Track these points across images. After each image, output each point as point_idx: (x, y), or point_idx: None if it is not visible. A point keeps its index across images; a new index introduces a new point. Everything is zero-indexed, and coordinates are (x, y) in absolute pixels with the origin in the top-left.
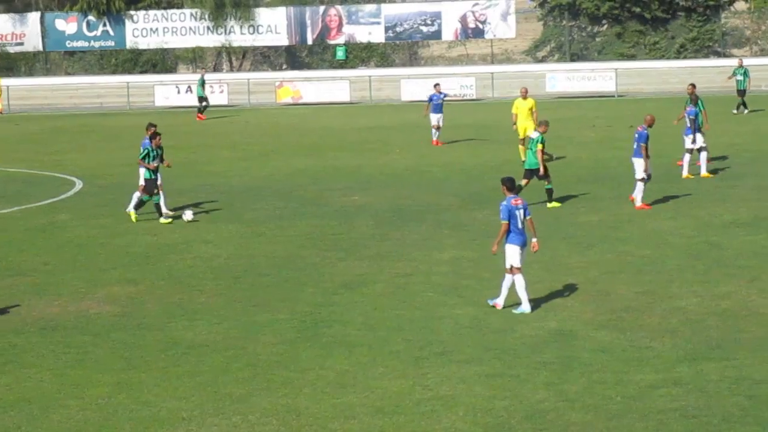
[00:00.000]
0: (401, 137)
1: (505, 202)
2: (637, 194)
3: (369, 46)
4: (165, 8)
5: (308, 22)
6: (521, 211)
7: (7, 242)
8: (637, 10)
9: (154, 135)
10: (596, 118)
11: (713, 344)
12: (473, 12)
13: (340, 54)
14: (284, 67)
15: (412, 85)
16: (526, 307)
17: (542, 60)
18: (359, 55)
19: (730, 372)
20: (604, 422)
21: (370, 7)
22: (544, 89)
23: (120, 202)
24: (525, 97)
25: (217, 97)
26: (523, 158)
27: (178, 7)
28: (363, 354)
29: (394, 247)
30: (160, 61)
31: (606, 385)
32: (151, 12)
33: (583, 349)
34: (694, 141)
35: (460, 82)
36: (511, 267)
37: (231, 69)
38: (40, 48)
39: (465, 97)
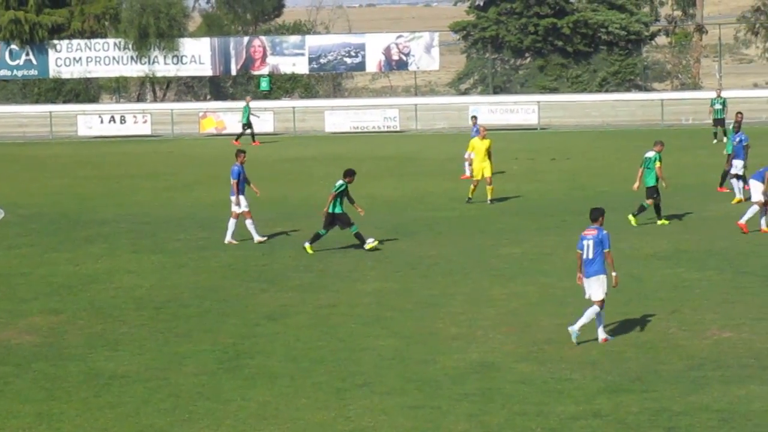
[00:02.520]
0: (325, 168)
1: (582, 232)
2: (761, 218)
3: (293, 77)
4: (88, 38)
5: (232, 52)
6: (590, 242)
7: None
8: (560, 43)
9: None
10: (519, 151)
11: (633, 376)
12: (397, 44)
13: (264, 85)
14: (208, 97)
15: (336, 116)
16: (575, 327)
17: (465, 92)
18: (283, 86)
19: (650, 404)
20: None
21: (294, 39)
22: (467, 121)
23: (43, 232)
24: (483, 137)
25: (140, 127)
26: (469, 195)
27: (101, 37)
28: (285, 385)
29: (317, 279)
30: (83, 91)
31: (527, 416)
32: (75, 41)
33: (504, 380)
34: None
35: (383, 114)
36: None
37: (155, 99)
38: None
39: (389, 129)
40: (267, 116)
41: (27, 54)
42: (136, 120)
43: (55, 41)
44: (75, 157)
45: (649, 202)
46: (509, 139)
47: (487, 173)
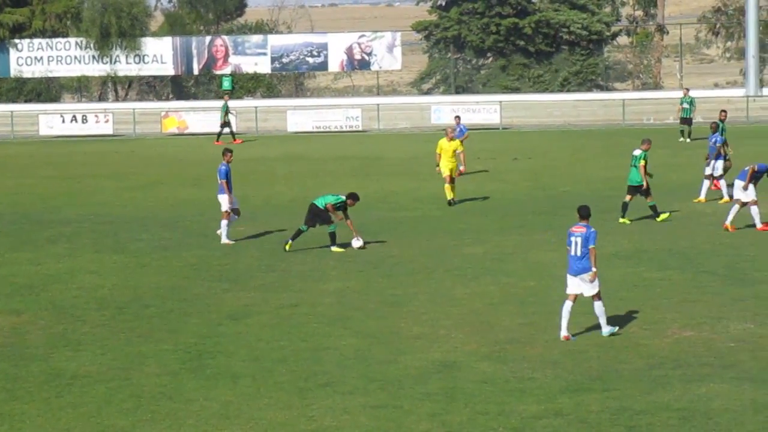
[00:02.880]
0: (287, 168)
1: (570, 228)
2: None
3: (255, 77)
4: (50, 37)
5: (194, 52)
6: (578, 239)
7: None
8: (522, 43)
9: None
10: (481, 151)
11: (594, 375)
12: (359, 44)
13: (226, 84)
14: (170, 97)
15: (298, 116)
16: (605, 329)
17: (427, 92)
18: (245, 85)
19: (611, 403)
20: None
21: (256, 38)
22: (430, 121)
23: (3, 232)
24: (451, 138)
25: (101, 126)
26: (448, 196)
27: (63, 36)
28: (247, 385)
29: (280, 278)
30: (45, 90)
31: (489, 416)
32: (36, 41)
33: (466, 380)
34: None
35: (345, 114)
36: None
37: (116, 98)
38: None
39: (351, 129)
40: (229, 116)
41: None
42: (97, 119)
43: (16, 40)
44: (36, 156)
45: (628, 198)
46: (471, 139)
47: (452, 173)
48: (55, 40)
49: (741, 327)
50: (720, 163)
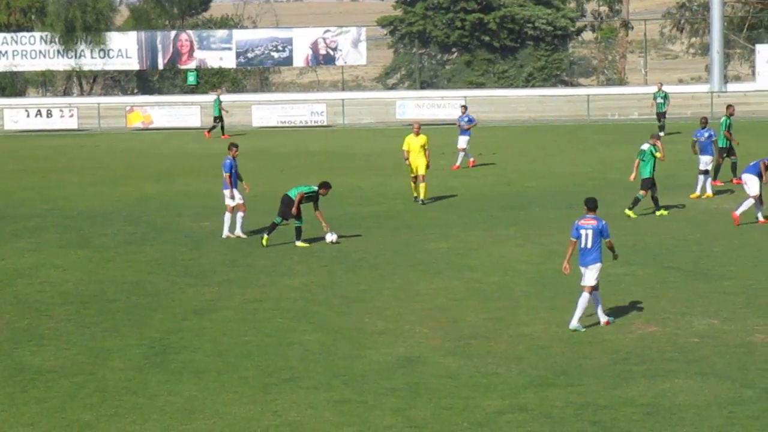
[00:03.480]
0: (252, 164)
1: (576, 221)
2: (757, 211)
3: (220, 72)
4: (14, 31)
5: (159, 46)
6: (588, 232)
7: None
8: (486, 38)
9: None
10: (445, 146)
11: (559, 370)
12: (324, 39)
13: (191, 79)
14: (135, 91)
15: (263, 111)
16: (574, 323)
17: (392, 87)
18: (210, 80)
19: (575, 398)
20: None
21: (221, 33)
22: (394, 116)
23: None
24: (418, 134)
25: (66, 121)
26: (415, 193)
27: (27, 30)
28: (212, 380)
29: (244, 274)
30: (9, 85)
31: (453, 411)
32: (0, 35)
33: (430, 375)
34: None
35: (310, 109)
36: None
37: (81, 93)
38: None
39: (317, 124)
40: (194, 110)
41: None
42: (62, 114)
43: None
44: (0, 151)
45: (643, 193)
46: (436, 134)
47: (422, 171)
48: (19, 35)
49: (705, 322)
50: (707, 158)
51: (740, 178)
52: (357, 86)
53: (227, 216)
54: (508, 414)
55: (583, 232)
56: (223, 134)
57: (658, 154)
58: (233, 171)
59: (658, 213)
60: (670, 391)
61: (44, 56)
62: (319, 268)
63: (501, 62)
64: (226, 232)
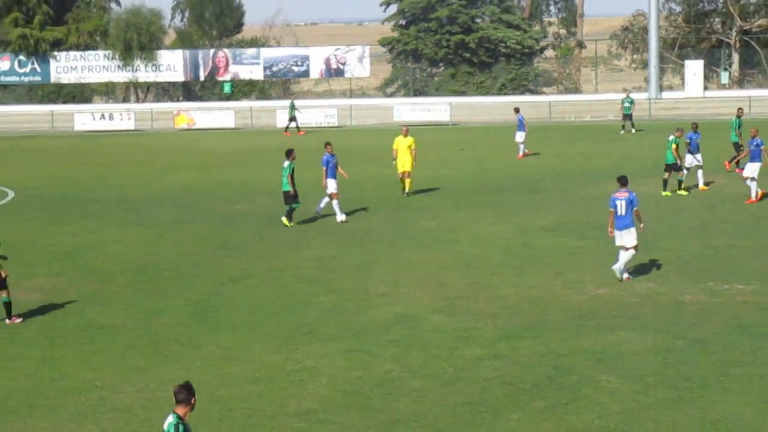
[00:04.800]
0: (277, 158)
1: (612, 195)
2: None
3: (250, 82)
4: (83, 50)
5: (201, 62)
6: (622, 202)
7: None
8: (467, 55)
9: (289, 152)
10: (434, 142)
11: (526, 325)
12: (335, 55)
13: (227, 88)
14: (181, 98)
15: (286, 114)
16: (618, 266)
17: (391, 95)
18: (242, 89)
19: (540, 347)
20: (439, 388)
21: (251, 51)
22: (392, 119)
23: (45, 209)
24: (406, 135)
25: (125, 123)
26: (403, 187)
27: (93, 49)
28: (244, 333)
29: (270, 247)
30: (79, 93)
31: (441, 358)
32: (72, 53)
33: (422, 329)
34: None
35: (324, 113)
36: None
37: (137, 100)
38: None
39: (329, 125)
40: (229, 114)
41: (32, 63)
42: (122, 117)
43: (56, 53)
44: (71, 148)
45: (666, 175)
46: (426, 133)
47: (408, 168)
48: (87, 53)
49: (644, 286)
50: (690, 158)
51: (743, 168)
52: (362, 94)
53: (334, 202)
54: (485, 360)
55: (618, 203)
56: (299, 131)
57: (673, 147)
58: (330, 165)
59: (663, 193)
60: (616, 341)
61: (107, 70)
62: (331, 242)
63: (479, 75)
64: (340, 217)
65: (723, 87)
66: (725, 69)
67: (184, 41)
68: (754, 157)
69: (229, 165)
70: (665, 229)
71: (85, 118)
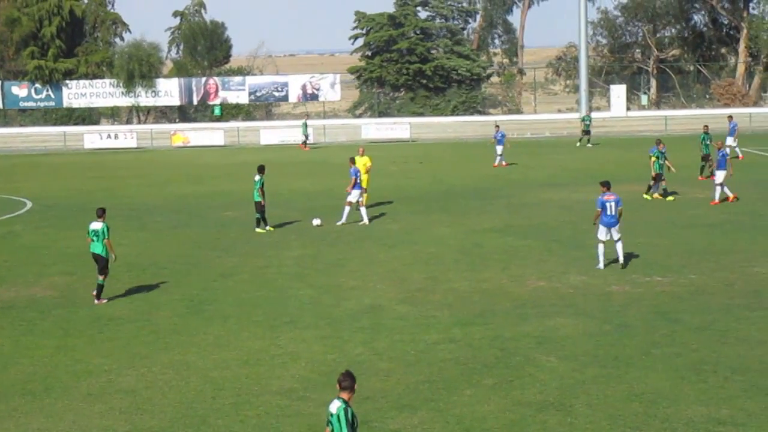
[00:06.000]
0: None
1: (599, 197)
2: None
3: (237, 106)
4: (91, 79)
5: (194, 88)
6: (612, 204)
7: None
8: (424, 81)
9: (260, 168)
10: (397, 157)
11: (477, 313)
12: (311, 82)
13: (217, 111)
14: (177, 120)
15: (268, 133)
16: (600, 265)
17: (359, 116)
18: (230, 112)
19: (489, 332)
20: (403, 368)
21: (238, 78)
22: (360, 136)
23: (59, 217)
24: (362, 155)
25: (128, 141)
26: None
27: (100, 78)
28: (234, 323)
29: (256, 248)
30: (88, 116)
31: (404, 342)
32: (82, 81)
33: (388, 318)
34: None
35: (301, 132)
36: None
37: (139, 121)
38: (0, 107)
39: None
40: (219, 133)
41: (47, 90)
42: (125, 137)
43: (68, 81)
44: (82, 163)
45: (662, 182)
46: (389, 149)
47: (364, 184)
48: (95, 81)
49: (578, 278)
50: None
51: (713, 175)
52: (334, 115)
53: (362, 210)
54: (442, 344)
55: (608, 204)
56: (305, 147)
57: (652, 158)
58: (358, 176)
59: (645, 196)
60: (554, 326)
61: (112, 96)
62: (308, 243)
63: (435, 98)
64: (364, 220)
65: (643, 108)
66: (645, 92)
67: (179, 70)
68: (720, 165)
69: (220, 177)
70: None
71: (94, 137)
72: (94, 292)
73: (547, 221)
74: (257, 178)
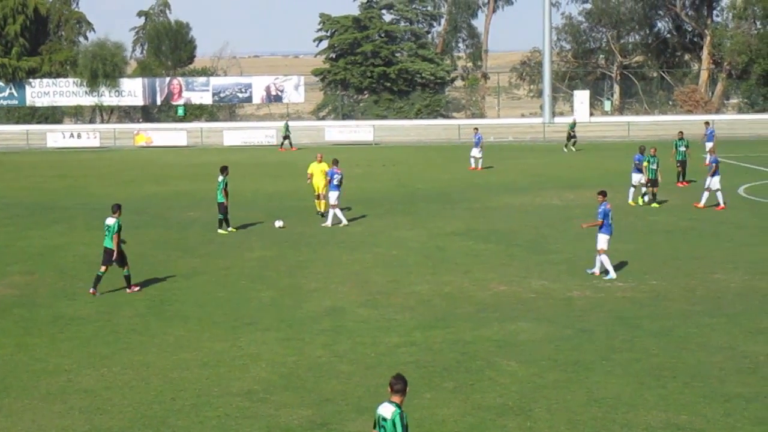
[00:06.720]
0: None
1: (601, 207)
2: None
3: (201, 107)
4: (55, 77)
5: (158, 88)
6: (610, 212)
7: None
8: (388, 84)
9: (223, 169)
10: (360, 159)
11: (439, 317)
12: (275, 83)
13: (180, 111)
14: (140, 120)
15: (232, 134)
16: (612, 275)
17: (323, 118)
18: (194, 112)
19: (450, 336)
20: (363, 371)
21: (201, 79)
22: (324, 138)
23: (21, 215)
24: (320, 161)
25: (91, 141)
26: (318, 209)
27: (64, 77)
28: (194, 324)
29: (218, 249)
30: (51, 115)
31: (365, 345)
32: (45, 80)
33: (349, 320)
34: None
35: (264, 133)
36: (600, 249)
37: (102, 121)
38: None
39: (269, 143)
40: (182, 133)
41: (10, 89)
42: (88, 136)
43: (31, 80)
44: (44, 162)
45: (654, 189)
46: (353, 151)
47: (322, 191)
48: (58, 80)
49: (539, 283)
50: (637, 176)
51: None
52: (298, 117)
53: (337, 211)
54: (403, 347)
55: (611, 213)
56: (292, 147)
57: (644, 164)
58: (334, 177)
59: (639, 200)
60: (515, 331)
61: (76, 95)
62: (270, 245)
63: (399, 101)
64: (344, 222)
65: (606, 113)
66: (608, 98)
67: (143, 70)
68: (716, 171)
69: (183, 178)
70: (556, 235)
71: (57, 136)
72: (125, 286)
73: (510, 225)
74: (220, 178)
